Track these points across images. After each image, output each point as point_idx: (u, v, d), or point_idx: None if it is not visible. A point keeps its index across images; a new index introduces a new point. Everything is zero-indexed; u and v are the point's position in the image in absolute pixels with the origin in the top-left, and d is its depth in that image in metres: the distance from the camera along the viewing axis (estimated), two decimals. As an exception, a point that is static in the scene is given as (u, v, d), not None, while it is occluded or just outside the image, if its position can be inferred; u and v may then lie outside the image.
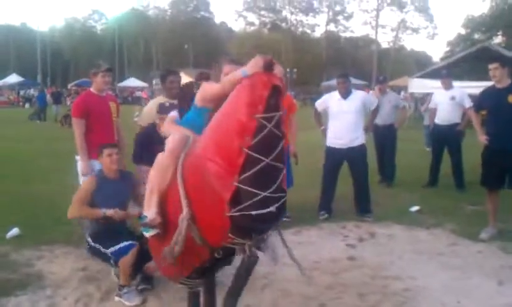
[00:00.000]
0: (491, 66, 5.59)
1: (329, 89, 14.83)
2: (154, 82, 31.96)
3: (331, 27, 66.55)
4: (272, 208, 2.53)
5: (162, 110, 4.35)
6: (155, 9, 71.28)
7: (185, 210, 2.69)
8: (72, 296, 4.14)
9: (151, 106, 5.06)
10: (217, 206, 2.53)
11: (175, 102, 4.13)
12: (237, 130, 2.48)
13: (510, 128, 5.47)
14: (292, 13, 67.04)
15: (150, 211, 2.96)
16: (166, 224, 2.96)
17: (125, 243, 4.01)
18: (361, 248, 5.43)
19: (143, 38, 66.14)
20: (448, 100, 8.27)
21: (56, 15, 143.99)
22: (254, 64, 2.56)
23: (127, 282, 4.05)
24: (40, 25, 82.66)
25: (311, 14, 66.89)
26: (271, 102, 2.48)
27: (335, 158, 6.62)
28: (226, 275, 3.71)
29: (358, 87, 15.46)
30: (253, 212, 2.47)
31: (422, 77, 17.82)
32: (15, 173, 9.65)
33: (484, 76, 15.15)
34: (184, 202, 2.71)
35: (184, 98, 3.43)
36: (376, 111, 7.03)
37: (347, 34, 68.16)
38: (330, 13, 65.59)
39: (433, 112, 8.80)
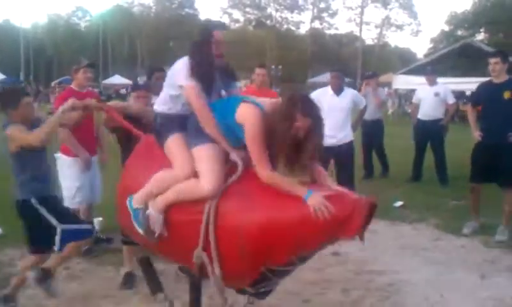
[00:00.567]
0: (491, 60, 5.54)
1: (315, 87, 14.86)
2: (139, 79, 31.73)
3: (316, 24, 66.58)
4: None
5: (135, 87, 4.49)
6: (140, 6, 70.68)
7: (217, 270, 2.75)
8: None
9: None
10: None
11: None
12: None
13: (504, 124, 5.45)
14: (277, 10, 67.02)
15: (154, 210, 2.94)
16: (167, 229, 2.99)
17: (86, 226, 3.71)
18: (346, 244, 5.42)
19: (128, 35, 65.59)
20: (432, 96, 8.34)
21: (39, 11, 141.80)
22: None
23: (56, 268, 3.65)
24: (22, 22, 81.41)
25: (296, 11, 66.92)
26: None
27: (325, 156, 6.53)
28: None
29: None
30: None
31: (406, 73, 17.90)
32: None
33: (467, 72, 15.40)
34: (215, 262, 2.74)
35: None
36: (364, 110, 7.07)
37: (332, 31, 68.30)
38: (315, 10, 65.61)
39: (416, 107, 8.88)
